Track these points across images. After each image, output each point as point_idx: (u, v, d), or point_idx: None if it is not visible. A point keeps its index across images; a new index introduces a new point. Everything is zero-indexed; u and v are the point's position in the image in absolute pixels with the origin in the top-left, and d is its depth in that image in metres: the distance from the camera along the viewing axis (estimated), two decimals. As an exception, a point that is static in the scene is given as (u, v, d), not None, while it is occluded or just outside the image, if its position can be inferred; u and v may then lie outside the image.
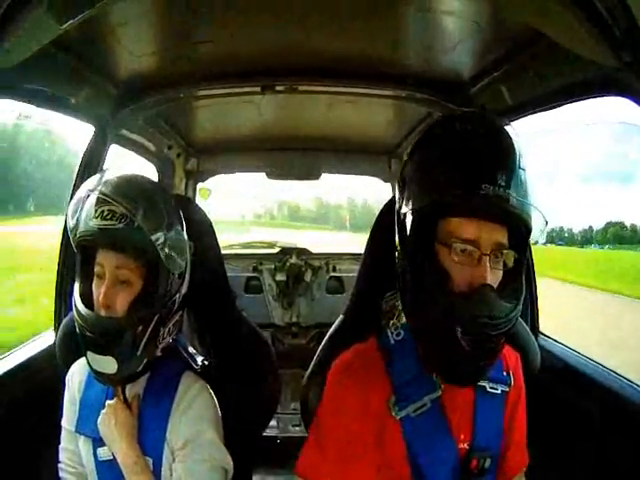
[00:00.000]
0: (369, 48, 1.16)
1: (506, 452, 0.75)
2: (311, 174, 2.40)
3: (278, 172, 2.42)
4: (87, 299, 0.78)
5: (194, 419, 0.81)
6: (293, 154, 2.23)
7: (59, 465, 0.88)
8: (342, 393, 0.72)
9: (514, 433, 0.75)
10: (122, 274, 0.76)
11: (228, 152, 2.24)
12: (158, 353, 0.82)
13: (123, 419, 0.81)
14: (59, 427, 0.88)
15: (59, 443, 0.88)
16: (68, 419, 0.88)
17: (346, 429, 0.70)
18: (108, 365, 0.77)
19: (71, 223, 0.78)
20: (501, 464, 0.74)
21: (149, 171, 2.04)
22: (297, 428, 2.10)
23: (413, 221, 0.67)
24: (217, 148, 2.19)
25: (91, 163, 1.35)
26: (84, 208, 0.76)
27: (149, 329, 0.78)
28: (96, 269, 0.78)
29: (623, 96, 0.81)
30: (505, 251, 0.64)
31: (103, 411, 0.82)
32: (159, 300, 0.78)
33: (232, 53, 1.17)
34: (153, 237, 0.75)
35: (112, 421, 0.81)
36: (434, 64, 1.23)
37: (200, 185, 2.38)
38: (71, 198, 1.31)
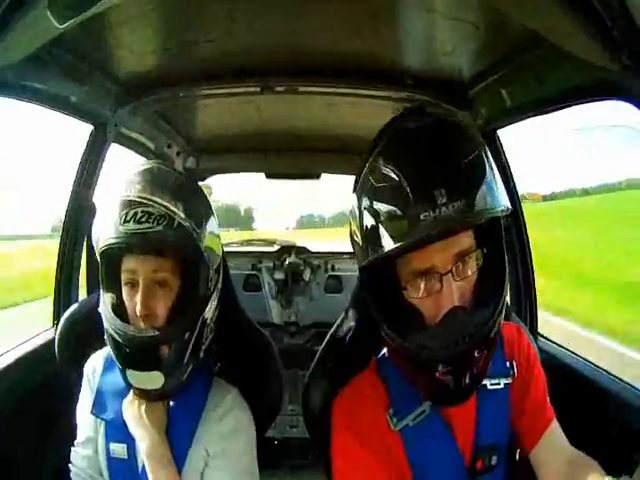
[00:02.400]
0: (369, 49, 1.16)
1: (526, 417, 0.72)
2: (310, 174, 2.41)
3: (277, 172, 2.42)
4: (119, 310, 0.72)
5: (227, 434, 0.78)
6: (292, 154, 2.22)
7: (72, 469, 0.82)
8: (352, 441, 0.69)
9: (531, 395, 0.73)
10: (159, 276, 0.69)
11: (227, 151, 2.24)
12: (201, 355, 0.76)
13: (154, 406, 0.75)
14: (57, 423, 0.87)
15: (57, 439, 0.87)
16: (84, 409, 0.83)
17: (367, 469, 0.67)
18: (154, 381, 0.71)
19: (95, 231, 0.70)
20: (525, 431, 0.72)
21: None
22: (295, 430, 2.11)
23: (366, 280, 0.65)
24: (216, 147, 2.19)
25: (90, 162, 1.35)
26: (110, 214, 0.68)
27: (195, 334, 0.71)
28: (126, 276, 0.70)
29: (622, 99, 0.81)
30: (468, 257, 0.61)
31: (131, 394, 0.76)
32: (202, 300, 0.72)
33: (232, 53, 1.17)
34: (196, 234, 0.68)
35: (142, 405, 0.74)
36: (434, 65, 1.23)
37: (200, 184, 2.38)
38: (71, 198, 1.33)
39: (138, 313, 0.68)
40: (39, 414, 1.09)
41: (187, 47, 1.15)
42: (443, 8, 0.94)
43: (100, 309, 0.74)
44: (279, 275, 2.31)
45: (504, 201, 0.61)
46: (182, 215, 0.67)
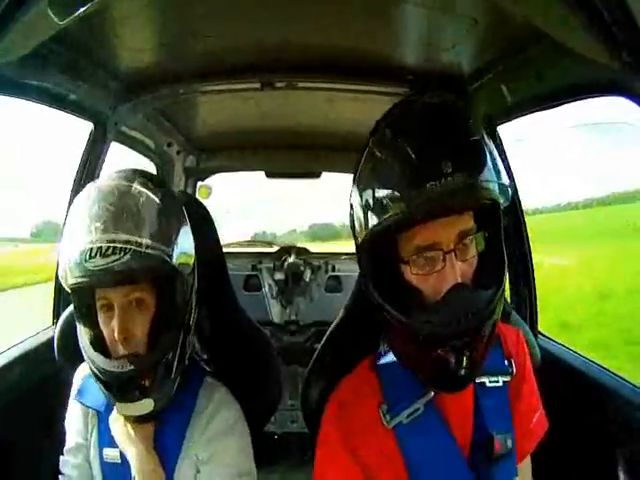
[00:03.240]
0: (369, 45, 1.16)
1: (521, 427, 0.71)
2: (311, 173, 2.41)
3: (277, 171, 2.42)
4: (99, 342, 0.70)
5: (218, 434, 0.76)
6: (293, 153, 2.22)
7: (61, 478, 0.82)
8: (335, 435, 0.69)
9: (521, 404, 0.73)
10: (134, 296, 0.68)
11: (228, 150, 2.24)
12: (186, 363, 0.75)
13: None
14: (56, 423, 0.87)
15: (57, 439, 0.87)
16: (72, 416, 0.82)
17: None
18: (144, 407, 0.69)
19: (61, 269, 0.67)
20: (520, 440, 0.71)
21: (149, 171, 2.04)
22: (295, 424, 2.13)
23: (365, 260, 0.65)
24: (217, 145, 2.19)
25: (91, 161, 1.35)
26: (74, 248, 0.65)
27: (178, 348, 0.70)
28: (101, 303, 0.68)
29: (623, 96, 0.81)
30: (470, 237, 0.61)
31: (116, 409, 0.75)
32: (181, 310, 0.71)
33: (232, 49, 1.17)
34: (166, 253, 0.66)
35: (128, 422, 0.74)
36: (433, 61, 1.23)
37: (200, 184, 2.38)
38: (71, 198, 1.33)
39: (116, 338, 0.67)
40: (38, 414, 1.09)
41: (187, 44, 1.15)
42: (443, 3, 0.94)
43: (80, 343, 0.73)
44: (279, 275, 2.31)
45: (507, 182, 0.61)
46: (148, 242, 0.65)
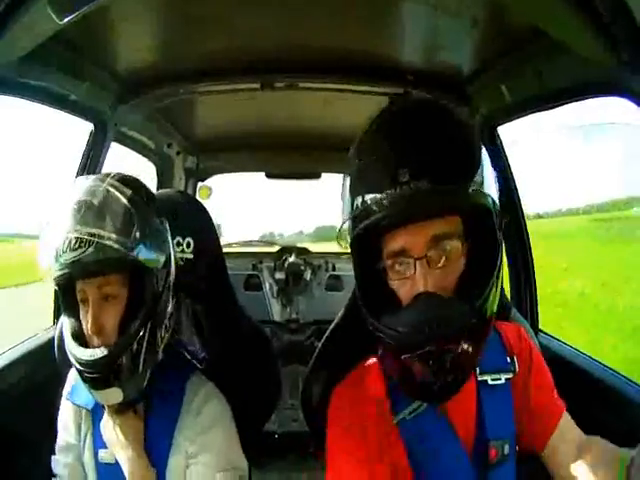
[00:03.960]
0: (368, 45, 1.16)
1: (534, 418, 0.71)
2: (311, 173, 2.41)
3: (278, 171, 2.42)
4: (79, 333, 0.75)
5: (205, 427, 0.79)
6: (292, 153, 2.23)
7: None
8: (343, 431, 0.69)
9: (536, 396, 0.72)
10: (106, 291, 0.73)
11: (227, 150, 2.24)
12: (160, 356, 0.78)
13: (129, 423, 0.77)
14: (56, 422, 0.87)
15: (56, 437, 0.87)
16: (64, 415, 0.85)
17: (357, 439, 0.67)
18: (113, 396, 0.74)
19: (44, 266, 0.72)
20: (533, 432, 0.71)
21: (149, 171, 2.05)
22: (295, 423, 2.13)
23: (352, 257, 0.64)
24: (216, 146, 2.19)
25: (91, 162, 1.35)
26: (52, 245, 0.70)
27: (145, 340, 0.74)
28: (80, 296, 0.74)
29: (622, 96, 0.81)
30: (447, 242, 0.58)
31: (106, 413, 0.79)
32: (149, 303, 0.75)
33: (232, 49, 1.18)
34: (127, 247, 0.71)
35: (117, 425, 0.77)
36: (433, 61, 1.23)
37: (200, 184, 2.38)
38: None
39: (90, 330, 0.72)
40: (39, 414, 1.09)
41: (187, 45, 1.15)
42: (442, 3, 0.94)
43: (64, 335, 0.77)
44: (280, 275, 2.32)
45: (486, 194, 0.58)
46: (112, 235, 0.70)
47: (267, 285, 2.33)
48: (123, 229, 0.71)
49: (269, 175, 2.42)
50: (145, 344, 0.74)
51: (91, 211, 0.71)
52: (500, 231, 0.61)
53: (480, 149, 0.61)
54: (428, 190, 0.54)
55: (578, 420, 0.77)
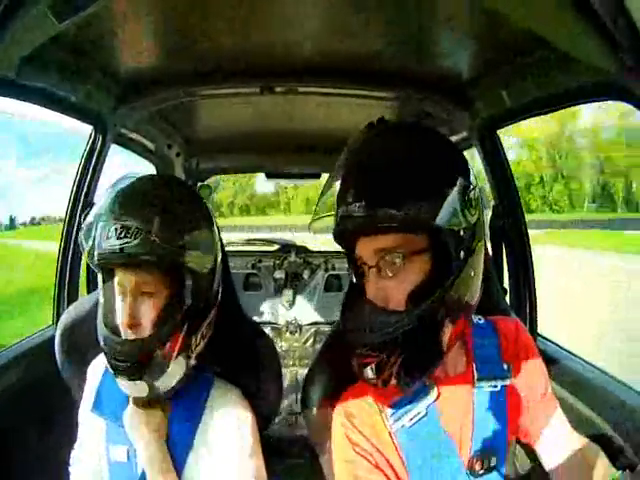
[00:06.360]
0: (369, 50, 1.16)
1: (527, 413, 0.75)
2: (310, 174, 2.41)
3: (277, 172, 2.43)
4: (112, 320, 0.76)
5: (232, 433, 0.79)
6: (292, 154, 2.23)
7: (71, 471, 0.84)
8: (347, 438, 0.71)
9: (532, 390, 0.75)
10: (145, 287, 0.73)
11: (227, 152, 2.24)
12: (193, 362, 0.78)
13: (153, 419, 0.78)
14: (56, 422, 0.87)
15: (56, 438, 0.87)
16: (85, 409, 0.84)
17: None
18: (139, 389, 0.74)
19: (86, 246, 0.75)
20: (526, 426, 0.75)
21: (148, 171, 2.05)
22: (294, 427, 2.11)
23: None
24: (216, 148, 2.19)
25: (91, 163, 1.35)
26: (98, 229, 0.73)
27: (178, 343, 0.74)
28: (118, 289, 0.74)
29: (623, 100, 0.81)
30: (396, 257, 0.64)
31: (130, 404, 0.79)
32: (188, 306, 0.74)
33: (232, 53, 1.17)
34: (173, 245, 0.71)
35: (142, 416, 0.77)
36: (433, 66, 1.23)
37: (201, 183, 2.38)
38: (71, 199, 1.33)
39: (125, 324, 0.72)
40: (38, 412, 1.09)
41: (187, 47, 1.15)
42: (442, 8, 0.94)
43: (97, 320, 0.78)
44: (279, 274, 2.31)
45: (433, 217, 0.61)
46: (157, 229, 0.70)
47: (266, 285, 2.32)
48: (171, 228, 0.73)
49: (269, 175, 2.42)
50: (178, 347, 0.74)
51: (145, 207, 0.73)
52: (461, 247, 0.64)
53: (447, 172, 0.64)
54: (364, 212, 0.62)
55: (574, 424, 0.78)
